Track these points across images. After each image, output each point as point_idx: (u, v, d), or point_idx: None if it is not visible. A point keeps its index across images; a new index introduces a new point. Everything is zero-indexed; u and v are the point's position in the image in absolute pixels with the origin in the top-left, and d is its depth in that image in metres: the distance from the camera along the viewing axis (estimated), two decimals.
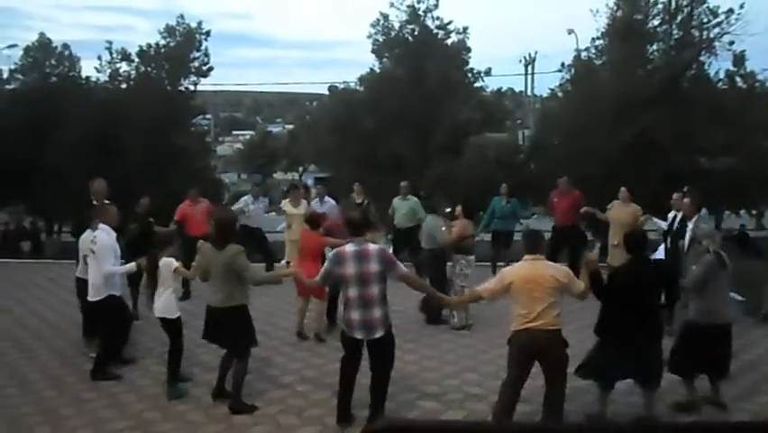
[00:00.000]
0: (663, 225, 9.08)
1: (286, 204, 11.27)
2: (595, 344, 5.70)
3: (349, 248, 5.48)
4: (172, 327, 6.40)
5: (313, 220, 8.36)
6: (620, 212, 9.60)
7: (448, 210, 10.69)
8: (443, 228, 8.91)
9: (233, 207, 11.27)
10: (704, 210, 8.50)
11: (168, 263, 6.39)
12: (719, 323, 5.88)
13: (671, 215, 8.90)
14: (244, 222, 10.89)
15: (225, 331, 5.98)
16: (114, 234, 6.96)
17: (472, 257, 8.77)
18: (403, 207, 11.66)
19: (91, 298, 6.86)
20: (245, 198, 11.66)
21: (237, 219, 7.48)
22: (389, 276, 5.49)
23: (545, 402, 5.32)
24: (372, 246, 5.52)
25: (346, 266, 5.39)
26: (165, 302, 6.34)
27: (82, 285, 7.24)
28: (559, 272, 5.33)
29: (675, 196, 8.88)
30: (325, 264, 5.70)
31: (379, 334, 5.38)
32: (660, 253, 8.76)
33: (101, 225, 6.92)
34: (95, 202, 7.76)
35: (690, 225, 8.05)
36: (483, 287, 5.59)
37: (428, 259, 9.12)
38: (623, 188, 9.80)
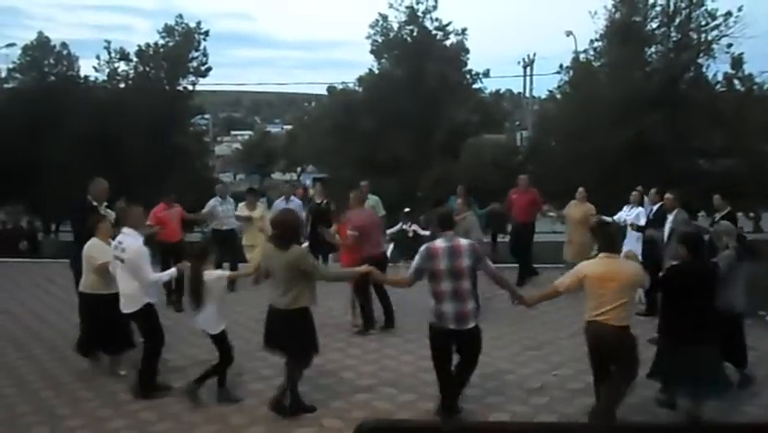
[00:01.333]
0: (616, 218, 9.77)
1: (242, 208, 10.95)
2: (659, 346, 5.83)
3: (440, 243, 5.60)
4: (217, 341, 6.08)
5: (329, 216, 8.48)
6: (575, 211, 10.31)
7: (407, 210, 11.12)
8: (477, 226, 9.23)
9: (202, 212, 10.90)
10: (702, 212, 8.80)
11: (218, 277, 6.05)
12: (734, 313, 6.26)
13: (634, 209, 9.66)
14: (215, 226, 10.71)
15: (290, 334, 5.73)
16: (141, 239, 6.38)
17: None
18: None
19: (127, 310, 6.22)
20: (212, 200, 10.95)
21: (299, 219, 7.15)
22: (478, 270, 5.72)
23: (600, 399, 5.53)
24: (463, 242, 5.67)
25: (438, 261, 5.53)
26: (208, 316, 5.98)
27: (89, 301, 6.69)
28: (635, 270, 5.55)
29: (652, 191, 9.61)
30: (416, 259, 5.74)
31: (471, 325, 5.58)
32: (628, 244, 8.96)
33: (125, 230, 6.29)
34: (94, 204, 7.38)
35: (670, 219, 8.71)
36: (560, 282, 5.79)
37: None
38: (580, 189, 10.50)
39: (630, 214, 9.72)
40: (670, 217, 8.80)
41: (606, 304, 5.29)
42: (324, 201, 11.71)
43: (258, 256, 8.41)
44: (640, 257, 7.55)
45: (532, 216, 11.08)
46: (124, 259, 6.16)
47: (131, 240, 6.22)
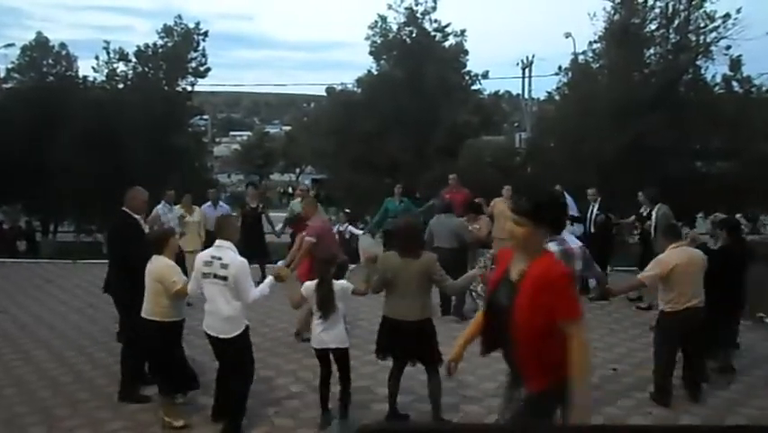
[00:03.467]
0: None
1: (179, 211, 10.61)
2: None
3: (575, 246, 5.64)
4: (345, 358, 5.67)
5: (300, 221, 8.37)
6: (504, 207, 10.57)
7: (347, 210, 11.16)
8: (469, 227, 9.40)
9: (147, 220, 10.66)
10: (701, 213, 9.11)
11: (347, 287, 5.71)
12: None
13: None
14: None
15: (422, 345, 5.57)
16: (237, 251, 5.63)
17: (493, 251, 9.02)
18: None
19: (228, 334, 5.44)
20: (158, 206, 10.41)
21: (420, 225, 6.88)
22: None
23: (685, 377, 6.24)
24: (575, 245, 5.69)
25: (574, 264, 5.45)
26: (340, 329, 5.59)
27: (158, 330, 5.68)
28: (701, 255, 6.17)
29: (590, 191, 10.79)
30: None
31: None
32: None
33: (222, 243, 5.54)
34: (135, 217, 6.53)
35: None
36: (645, 274, 6.14)
37: (451, 258, 9.01)
38: (506, 187, 11.18)
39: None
40: (654, 214, 9.64)
41: (694, 286, 5.96)
42: (260, 206, 11.49)
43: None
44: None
45: (464, 214, 11.19)
46: (227, 276, 5.38)
47: (231, 254, 5.48)
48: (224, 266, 5.39)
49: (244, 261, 5.50)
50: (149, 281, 5.70)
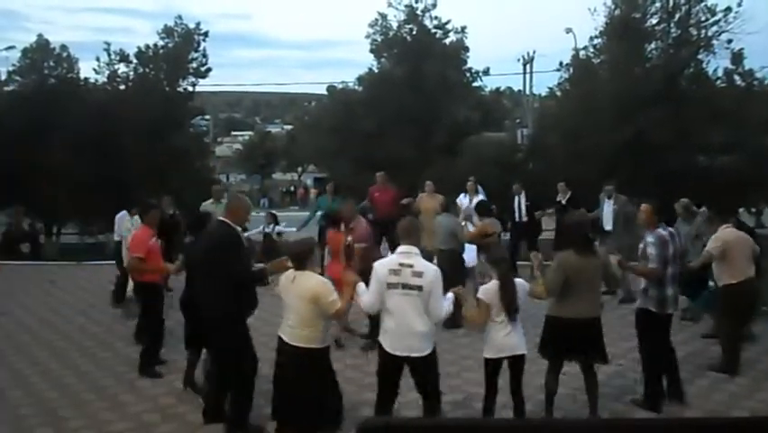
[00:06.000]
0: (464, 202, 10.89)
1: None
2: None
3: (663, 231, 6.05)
4: (523, 363, 5.39)
5: (334, 219, 8.14)
6: (429, 203, 10.83)
7: (272, 211, 10.96)
8: (463, 225, 9.17)
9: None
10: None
11: (526, 286, 5.55)
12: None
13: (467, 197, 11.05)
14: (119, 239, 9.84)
15: (596, 342, 5.61)
16: None
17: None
18: (219, 210, 10.42)
19: (423, 352, 4.93)
20: (121, 213, 10.10)
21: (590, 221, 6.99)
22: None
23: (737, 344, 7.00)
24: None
25: (669, 248, 5.99)
26: (521, 333, 5.37)
27: (311, 357, 5.00)
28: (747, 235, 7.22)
29: (516, 186, 11.69)
30: (657, 249, 5.92)
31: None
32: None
33: (409, 248, 4.94)
34: (238, 229, 5.77)
35: (612, 207, 10.41)
36: (705, 255, 6.98)
37: (446, 257, 8.83)
38: (428, 182, 11.33)
39: (465, 200, 11.00)
40: (610, 207, 10.48)
41: (749, 262, 6.94)
42: (175, 212, 11.16)
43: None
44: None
45: (394, 212, 11.36)
46: (422, 286, 4.78)
47: (423, 261, 4.95)
48: (418, 274, 4.79)
49: (438, 269, 5.00)
50: (297, 303, 4.96)
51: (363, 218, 8.40)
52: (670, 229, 6.19)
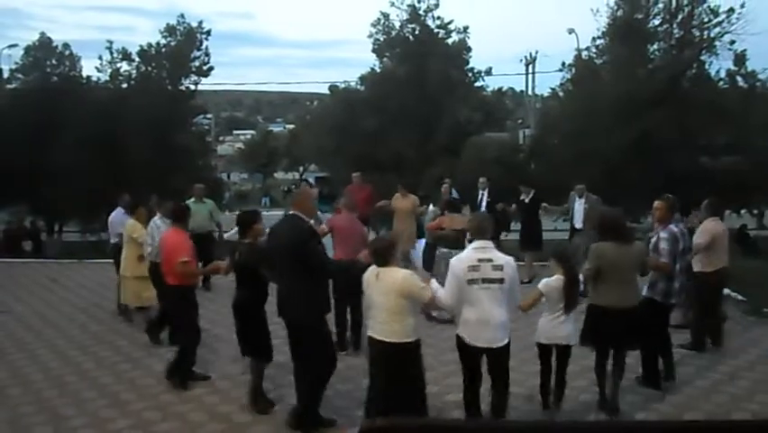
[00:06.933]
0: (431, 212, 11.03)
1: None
2: None
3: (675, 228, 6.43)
4: (569, 353, 5.66)
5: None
6: (402, 203, 11.29)
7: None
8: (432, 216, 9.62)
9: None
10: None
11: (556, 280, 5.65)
12: None
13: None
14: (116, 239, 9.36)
15: (635, 331, 5.74)
16: None
17: (453, 251, 8.73)
18: (200, 210, 10.25)
19: (502, 342, 5.00)
20: (115, 211, 9.72)
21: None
22: None
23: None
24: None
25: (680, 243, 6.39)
26: (573, 325, 5.60)
27: (405, 351, 4.98)
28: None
29: (481, 181, 12.27)
30: (668, 245, 6.23)
31: None
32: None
33: (486, 243, 5.09)
34: (311, 222, 5.80)
35: (584, 206, 10.71)
36: (696, 247, 7.15)
37: (428, 249, 9.38)
38: (400, 184, 11.61)
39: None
40: (579, 205, 10.86)
41: (727, 252, 7.56)
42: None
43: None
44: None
45: (369, 211, 11.73)
46: (503, 278, 4.92)
47: (500, 254, 5.10)
48: (498, 267, 4.94)
49: (513, 259, 5.17)
50: (385, 299, 4.94)
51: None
52: (681, 226, 6.70)
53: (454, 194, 11.69)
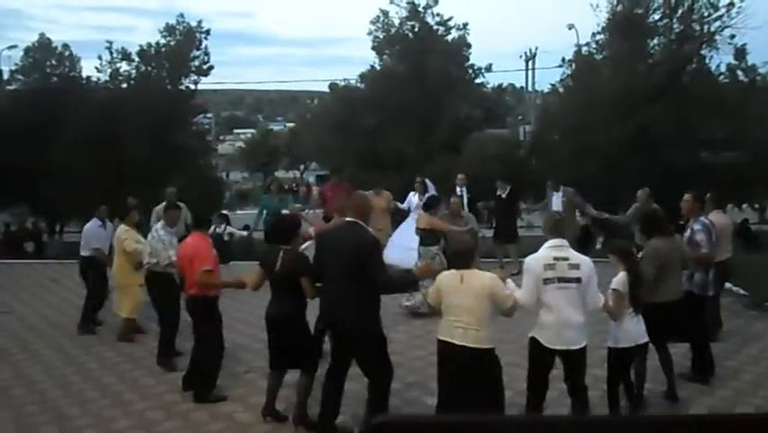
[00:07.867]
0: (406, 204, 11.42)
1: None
2: None
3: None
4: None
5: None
6: (377, 201, 11.08)
7: (224, 212, 12.35)
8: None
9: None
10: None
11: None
12: None
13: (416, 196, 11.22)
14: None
15: (688, 320, 5.97)
16: None
17: (432, 247, 8.86)
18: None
19: (580, 345, 4.86)
20: (89, 223, 9.15)
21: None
22: None
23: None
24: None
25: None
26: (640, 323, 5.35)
27: (483, 358, 4.82)
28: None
29: (459, 178, 12.07)
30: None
31: None
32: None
33: (562, 241, 4.95)
34: (369, 229, 5.40)
35: (561, 199, 10.87)
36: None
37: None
38: (376, 184, 11.62)
39: (414, 199, 11.35)
40: (559, 194, 11.03)
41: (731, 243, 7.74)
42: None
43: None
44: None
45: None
46: (580, 277, 4.78)
47: (576, 253, 5.00)
48: (574, 266, 4.79)
49: (590, 260, 4.99)
50: (471, 303, 4.76)
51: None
52: (709, 218, 6.79)
53: (431, 190, 11.52)
